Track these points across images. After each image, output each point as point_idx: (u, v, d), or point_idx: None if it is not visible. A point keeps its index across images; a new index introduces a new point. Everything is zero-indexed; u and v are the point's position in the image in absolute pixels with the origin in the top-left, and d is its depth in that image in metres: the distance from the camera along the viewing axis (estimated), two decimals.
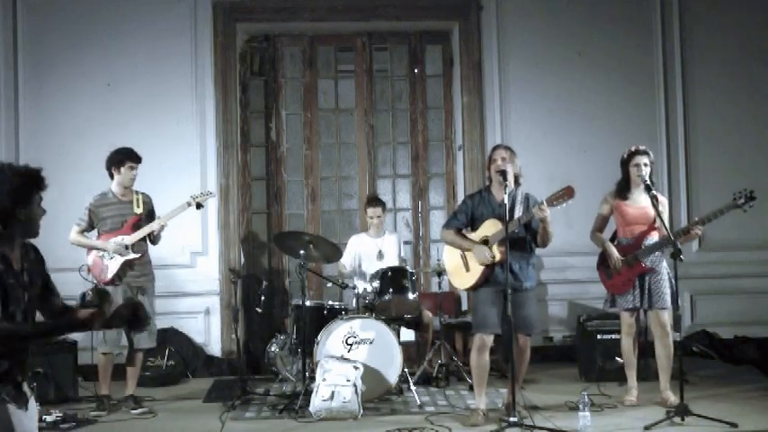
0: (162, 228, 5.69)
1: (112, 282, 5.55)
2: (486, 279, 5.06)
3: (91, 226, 5.73)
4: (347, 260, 6.63)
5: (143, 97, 7.14)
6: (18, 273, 2.83)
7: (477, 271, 5.08)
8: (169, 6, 7.25)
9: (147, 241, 5.74)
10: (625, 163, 5.50)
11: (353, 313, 5.90)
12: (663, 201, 5.56)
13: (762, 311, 7.39)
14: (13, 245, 2.85)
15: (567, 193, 4.88)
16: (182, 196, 5.92)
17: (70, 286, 3.85)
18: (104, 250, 5.60)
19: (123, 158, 5.67)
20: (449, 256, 5.33)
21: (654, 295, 5.42)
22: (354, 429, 5.07)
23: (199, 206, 5.91)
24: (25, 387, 2.89)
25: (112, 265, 5.58)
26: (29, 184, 2.85)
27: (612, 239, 5.63)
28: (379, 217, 6.61)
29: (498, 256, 4.96)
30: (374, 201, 6.78)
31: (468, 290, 5.41)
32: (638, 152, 5.45)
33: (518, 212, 5.03)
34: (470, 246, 5.10)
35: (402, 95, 7.89)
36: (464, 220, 5.22)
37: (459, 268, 5.21)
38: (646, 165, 5.41)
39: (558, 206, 4.90)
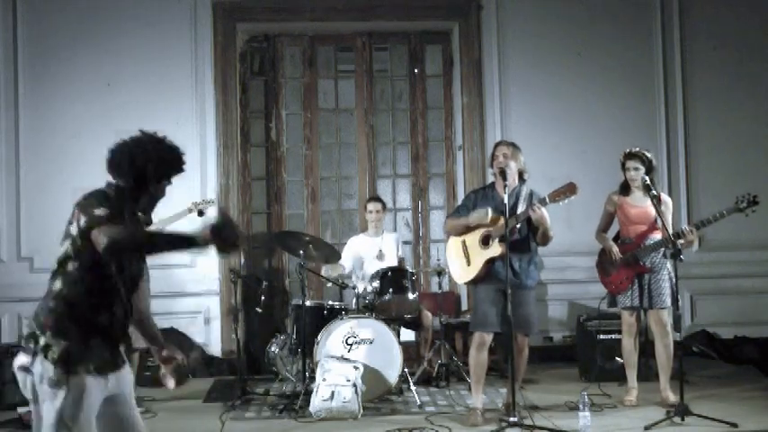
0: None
1: None
2: (487, 273, 5.05)
3: None
4: (346, 261, 6.62)
5: (143, 97, 7.12)
6: None
7: (477, 265, 5.08)
8: (169, 6, 7.25)
9: None
10: (621, 165, 5.53)
11: (353, 313, 5.89)
12: (666, 201, 5.55)
13: (762, 311, 7.40)
14: (130, 215, 2.82)
15: (570, 189, 4.86)
16: (181, 196, 5.87)
17: None
18: None
19: None
20: (451, 250, 5.31)
21: (653, 295, 5.42)
22: (354, 429, 5.06)
23: (200, 213, 5.91)
24: (120, 352, 2.80)
25: None
26: (174, 163, 2.88)
27: (616, 239, 5.63)
28: (378, 212, 6.61)
29: (499, 251, 4.96)
30: (374, 197, 6.86)
31: (468, 284, 5.41)
32: (628, 156, 5.46)
33: (520, 209, 5.02)
34: (467, 219, 5.10)
35: (402, 95, 7.89)
36: (467, 214, 5.21)
37: (461, 262, 5.21)
38: (636, 169, 5.40)
39: (559, 202, 4.88)
